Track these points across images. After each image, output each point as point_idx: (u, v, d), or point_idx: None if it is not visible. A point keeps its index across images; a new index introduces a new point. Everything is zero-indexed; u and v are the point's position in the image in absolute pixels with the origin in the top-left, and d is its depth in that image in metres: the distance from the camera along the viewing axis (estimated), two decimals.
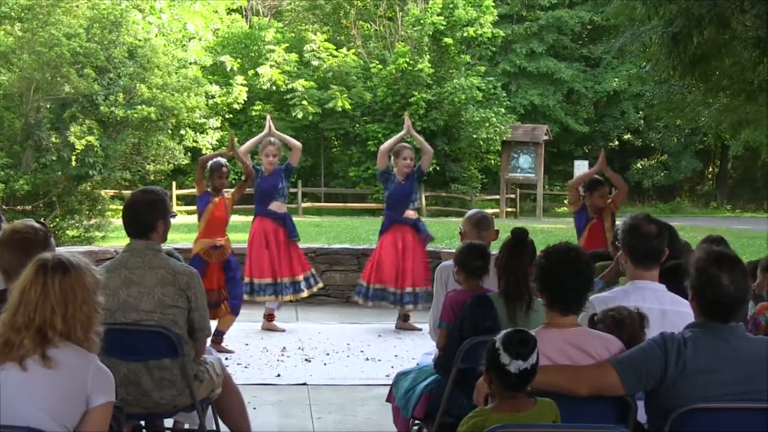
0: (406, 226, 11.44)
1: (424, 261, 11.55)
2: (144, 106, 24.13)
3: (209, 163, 10.18)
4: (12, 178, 21.57)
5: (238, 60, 38.39)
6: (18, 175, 21.68)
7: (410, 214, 11.45)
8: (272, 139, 11.46)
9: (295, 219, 11.75)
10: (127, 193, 21.66)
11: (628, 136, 49.66)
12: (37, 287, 3.63)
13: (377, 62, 39.12)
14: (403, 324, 11.61)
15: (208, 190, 10.12)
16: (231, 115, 36.95)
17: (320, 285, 11.78)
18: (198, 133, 31.62)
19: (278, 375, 8.98)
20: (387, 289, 11.43)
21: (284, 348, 10.21)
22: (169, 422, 5.99)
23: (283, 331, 11.29)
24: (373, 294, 11.52)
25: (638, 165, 49.81)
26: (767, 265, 5.92)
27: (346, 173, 39.08)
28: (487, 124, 37.27)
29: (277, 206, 11.19)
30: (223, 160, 10.27)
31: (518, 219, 36.43)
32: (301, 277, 11.37)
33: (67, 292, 3.64)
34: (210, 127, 32.78)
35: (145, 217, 5.37)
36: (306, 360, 9.71)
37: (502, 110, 38.65)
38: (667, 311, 4.64)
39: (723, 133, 20.20)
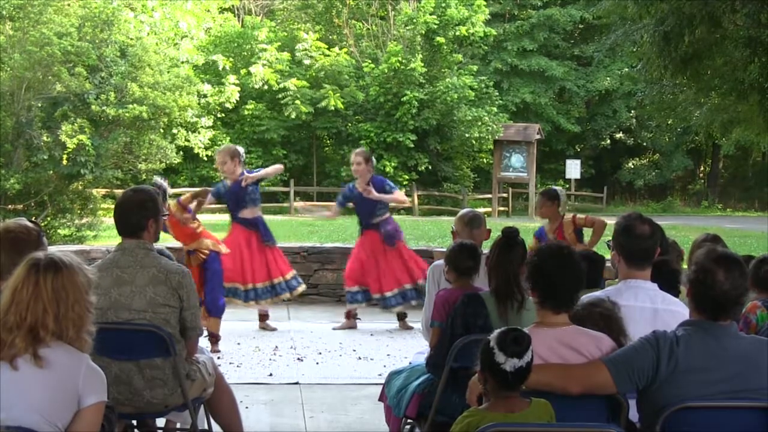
0: (374, 231, 11.47)
1: (401, 259, 11.53)
2: (136, 105, 24.10)
3: None
4: (3, 177, 21.53)
5: (231, 59, 38.37)
6: (9, 174, 21.63)
7: (378, 219, 11.49)
8: (221, 147, 11.49)
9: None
10: (118, 192, 21.62)
11: (620, 135, 49.75)
12: (29, 286, 3.62)
13: (369, 61, 39.13)
14: (402, 324, 11.66)
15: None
16: (223, 114, 36.94)
17: (302, 288, 11.59)
18: (190, 132, 31.60)
19: (270, 374, 8.98)
20: (369, 291, 11.50)
21: (276, 347, 10.20)
22: (161, 422, 5.98)
23: (275, 329, 11.29)
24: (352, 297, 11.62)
25: (630, 164, 49.90)
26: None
27: (338, 172, 39.05)
28: (480, 123, 37.31)
29: (247, 213, 11.10)
30: (157, 181, 10.34)
31: (510, 218, 36.43)
32: (280, 279, 11.29)
33: (59, 291, 3.64)
34: (202, 126, 32.77)
35: (136, 216, 5.36)
36: (298, 359, 9.71)
37: (494, 109, 38.68)
38: (659, 310, 4.65)
39: (714, 133, 20.23)
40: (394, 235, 11.51)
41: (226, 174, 11.00)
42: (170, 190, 10.14)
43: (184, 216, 9.84)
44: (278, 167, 12.28)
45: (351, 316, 11.62)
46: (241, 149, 11.25)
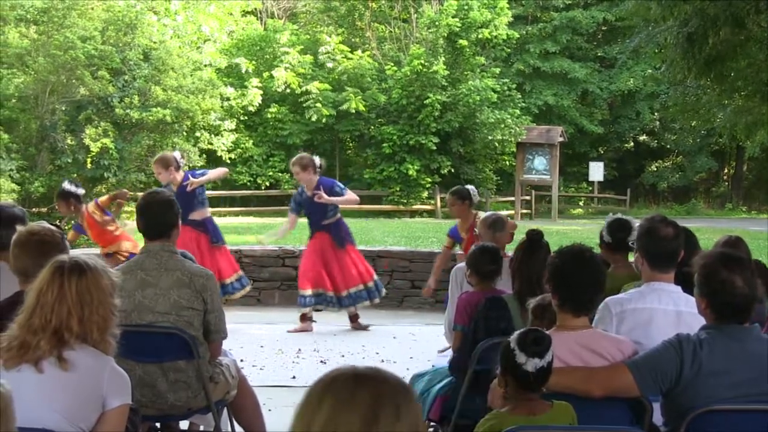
0: (325, 233, 11.42)
1: (350, 260, 11.53)
2: (159, 108, 24.25)
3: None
4: (27, 180, 21.69)
5: (253, 62, 38.41)
6: (33, 177, 21.80)
7: (329, 221, 11.45)
8: (159, 155, 11.54)
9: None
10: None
11: (643, 137, 49.54)
12: (54, 289, 3.64)
13: (392, 64, 39.08)
14: (354, 324, 11.61)
15: (73, 221, 10.69)
16: (246, 117, 36.98)
17: (248, 288, 11.73)
18: (213, 135, 31.71)
19: (293, 377, 8.98)
20: (326, 293, 11.41)
21: (299, 350, 10.21)
22: (184, 424, 6.00)
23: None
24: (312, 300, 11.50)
25: (653, 167, 49.67)
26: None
27: (361, 175, 39.07)
28: (502, 126, 37.19)
29: (196, 215, 11.14)
30: (66, 187, 10.39)
31: (533, 221, 36.34)
32: (227, 281, 11.32)
33: (84, 294, 3.65)
34: (225, 129, 32.87)
35: (167, 215, 5.40)
36: (321, 362, 9.70)
37: (517, 111, 38.57)
38: (683, 312, 4.62)
39: (738, 134, 20.13)
40: (344, 238, 11.52)
41: (164, 183, 11.12)
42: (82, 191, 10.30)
43: (104, 218, 10.05)
44: (223, 170, 12.44)
45: (306, 319, 11.53)
46: (176, 155, 11.42)
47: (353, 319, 11.64)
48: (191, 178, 11.04)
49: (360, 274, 11.50)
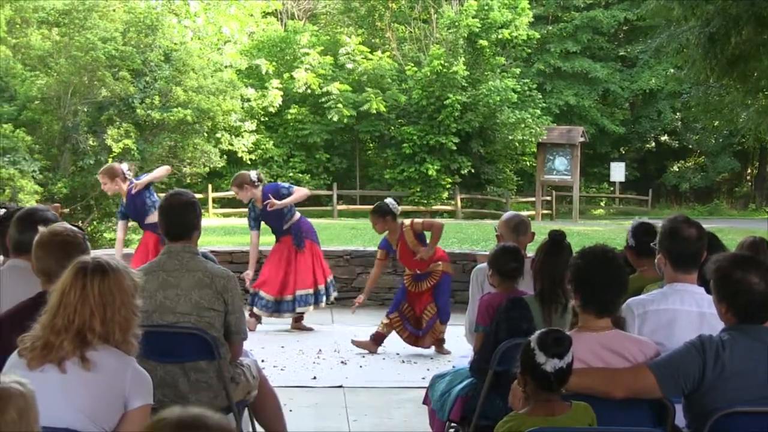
0: (288, 236, 11.39)
1: (309, 263, 11.46)
2: (180, 108, 24.33)
3: None
4: (50, 181, 21.78)
5: (274, 63, 38.51)
6: (56, 178, 21.89)
7: (290, 224, 11.41)
8: (106, 166, 11.63)
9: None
10: (163, 195, 21.80)
11: (665, 137, 49.35)
12: (77, 290, 3.65)
13: (412, 65, 39.12)
14: (296, 325, 11.56)
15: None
16: (266, 118, 37.08)
17: None
18: (234, 136, 31.78)
19: (314, 377, 8.99)
20: (275, 299, 11.33)
21: (320, 350, 10.21)
22: None
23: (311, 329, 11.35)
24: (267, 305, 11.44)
25: (675, 167, 49.46)
26: None
27: (382, 176, 39.11)
28: (523, 126, 37.15)
29: (153, 218, 10.89)
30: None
31: (554, 221, 36.28)
32: None
33: (106, 295, 3.66)
34: (246, 130, 32.94)
35: (190, 216, 5.41)
36: (342, 362, 9.72)
37: (538, 111, 38.52)
38: (706, 314, 4.59)
39: (762, 135, 20.01)
40: (303, 238, 11.45)
41: (110, 194, 11.20)
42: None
43: None
44: (166, 168, 12.24)
45: (254, 316, 11.43)
46: (123, 166, 11.29)
47: (297, 319, 11.58)
48: (135, 182, 10.98)
49: (314, 277, 11.46)
